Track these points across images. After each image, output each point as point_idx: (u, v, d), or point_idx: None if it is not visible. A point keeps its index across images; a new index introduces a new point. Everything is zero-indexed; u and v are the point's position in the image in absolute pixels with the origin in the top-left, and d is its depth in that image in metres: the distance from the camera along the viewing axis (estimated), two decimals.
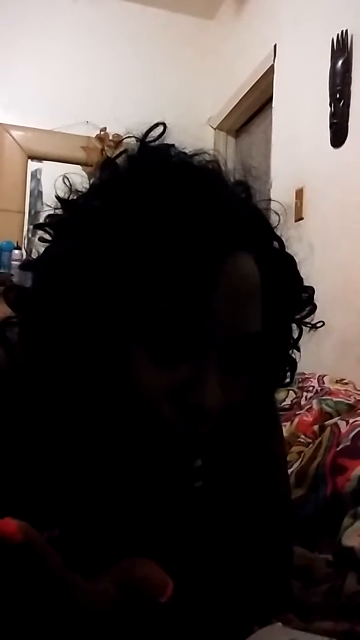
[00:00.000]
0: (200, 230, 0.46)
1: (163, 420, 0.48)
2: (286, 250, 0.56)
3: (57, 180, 0.54)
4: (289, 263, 0.56)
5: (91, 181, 0.54)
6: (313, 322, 0.59)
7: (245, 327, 0.49)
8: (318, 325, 0.59)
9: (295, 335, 0.58)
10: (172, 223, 0.46)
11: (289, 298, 0.56)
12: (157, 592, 0.38)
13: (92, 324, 0.47)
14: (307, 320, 0.58)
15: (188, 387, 0.47)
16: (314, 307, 0.58)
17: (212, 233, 0.46)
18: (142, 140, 0.53)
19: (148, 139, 0.53)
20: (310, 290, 0.58)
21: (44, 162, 3.40)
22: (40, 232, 0.54)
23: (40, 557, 0.35)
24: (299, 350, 0.59)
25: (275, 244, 0.55)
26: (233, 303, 0.48)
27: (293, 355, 0.59)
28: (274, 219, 0.56)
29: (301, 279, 0.57)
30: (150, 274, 0.46)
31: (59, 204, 0.53)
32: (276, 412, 0.67)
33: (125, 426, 0.50)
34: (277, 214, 0.56)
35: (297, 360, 0.59)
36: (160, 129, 0.54)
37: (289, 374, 0.59)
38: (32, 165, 3.40)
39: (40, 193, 3.39)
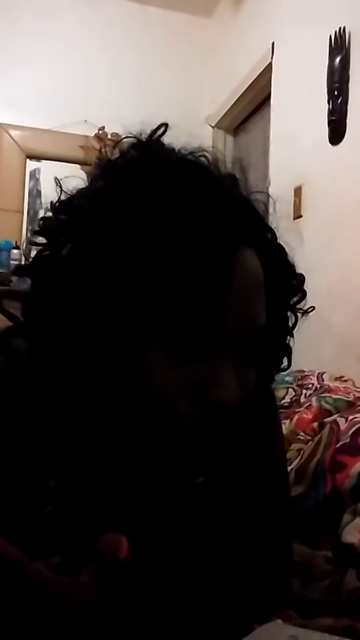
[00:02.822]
0: (211, 229, 0.46)
1: (182, 419, 0.48)
2: (278, 240, 0.57)
3: (54, 181, 0.54)
4: (282, 252, 0.57)
5: (89, 183, 0.54)
6: (304, 308, 0.60)
7: (256, 321, 0.50)
8: (309, 310, 0.60)
9: (290, 322, 0.59)
10: (183, 223, 0.46)
11: (284, 286, 0.57)
12: (114, 551, 0.39)
13: (106, 327, 0.47)
14: (299, 306, 0.59)
15: (206, 384, 0.47)
16: (304, 293, 0.59)
17: (223, 231, 0.46)
18: (145, 142, 0.53)
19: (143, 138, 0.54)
20: (301, 277, 0.59)
21: (43, 161, 3.39)
22: (35, 236, 0.53)
23: (9, 562, 0.35)
24: (292, 336, 0.60)
25: (268, 235, 0.56)
26: (245, 299, 0.49)
27: (288, 341, 0.60)
28: (264, 210, 0.57)
29: (293, 267, 0.58)
30: (163, 275, 0.46)
31: (55, 207, 0.53)
32: (274, 398, 0.68)
33: (137, 427, 0.50)
34: (264, 204, 0.57)
35: (294, 349, 0.60)
36: (161, 130, 0.54)
37: (285, 359, 0.61)
38: (31, 164, 3.40)
39: (38, 192, 3.39)
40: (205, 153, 0.54)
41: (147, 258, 0.46)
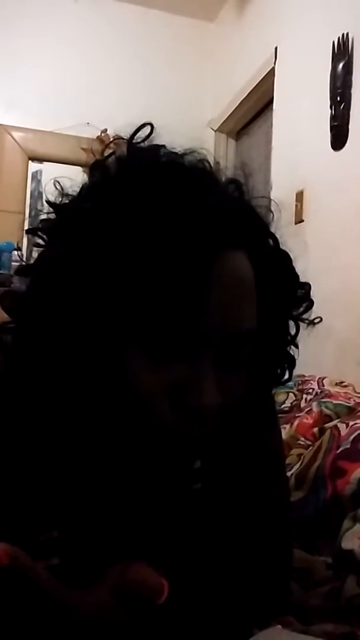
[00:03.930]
0: (190, 229, 0.45)
1: (160, 421, 0.48)
2: (281, 247, 0.55)
3: (47, 184, 0.54)
4: (284, 260, 0.56)
5: (82, 184, 0.54)
6: (310, 318, 0.58)
7: (240, 325, 0.49)
8: (315, 321, 0.58)
9: (293, 331, 0.57)
10: (162, 222, 0.46)
11: (284, 294, 0.55)
12: (153, 595, 0.38)
13: (86, 326, 0.47)
14: (305, 316, 0.58)
15: (184, 387, 0.47)
16: (311, 303, 0.58)
17: (203, 231, 0.46)
18: (130, 140, 0.53)
19: (137, 140, 0.53)
20: (307, 287, 0.57)
21: (45, 163, 3.41)
22: (35, 238, 0.53)
23: (29, 578, 0.35)
24: (297, 346, 0.58)
25: (270, 241, 0.55)
26: (226, 301, 0.48)
27: (291, 352, 0.58)
28: (269, 216, 0.56)
29: (297, 276, 0.56)
30: (142, 274, 0.46)
31: (49, 208, 0.53)
32: (274, 410, 0.67)
33: (123, 428, 0.50)
34: (271, 211, 0.56)
35: (296, 357, 0.59)
36: (147, 129, 0.53)
37: (287, 371, 0.59)
38: (33, 166, 3.41)
39: (40, 194, 3.39)
40: (203, 155, 0.54)
41: (127, 256, 0.46)
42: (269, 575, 0.64)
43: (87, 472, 0.52)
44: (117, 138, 0.55)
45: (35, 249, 0.53)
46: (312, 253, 2.02)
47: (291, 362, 0.59)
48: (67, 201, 0.53)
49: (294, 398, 1.46)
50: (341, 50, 2.12)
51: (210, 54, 3.62)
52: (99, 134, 3.27)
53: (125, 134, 0.54)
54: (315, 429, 1.18)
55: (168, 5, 3.51)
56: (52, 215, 0.53)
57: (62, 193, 0.53)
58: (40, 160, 3.41)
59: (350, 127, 2.07)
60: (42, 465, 0.51)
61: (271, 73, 2.79)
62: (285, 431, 1.20)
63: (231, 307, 0.48)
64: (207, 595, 0.57)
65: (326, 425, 1.16)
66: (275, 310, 0.54)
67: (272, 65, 2.77)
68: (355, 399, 1.35)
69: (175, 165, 0.51)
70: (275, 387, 0.62)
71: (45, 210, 0.53)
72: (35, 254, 0.54)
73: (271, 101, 2.81)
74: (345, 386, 1.52)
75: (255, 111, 3.21)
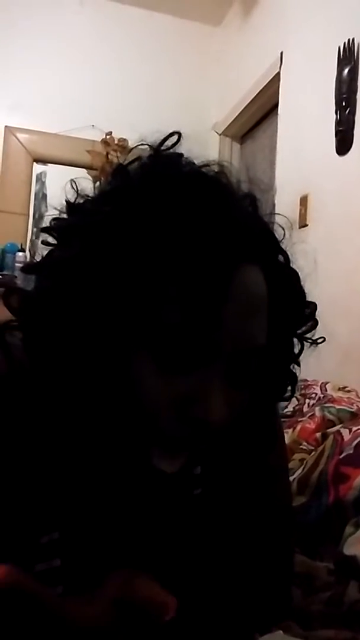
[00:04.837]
0: (212, 242, 0.46)
1: (163, 432, 0.48)
2: (291, 264, 0.56)
3: (66, 184, 0.54)
4: (294, 277, 0.56)
5: (99, 186, 0.54)
6: (314, 338, 0.58)
7: (253, 340, 0.49)
8: (319, 340, 0.58)
9: (297, 350, 0.57)
10: (184, 234, 0.46)
11: (292, 312, 0.55)
12: (160, 612, 0.38)
13: (98, 330, 0.47)
14: (309, 335, 0.58)
15: (192, 398, 0.47)
16: (316, 323, 0.58)
17: (224, 245, 0.46)
18: (156, 148, 0.53)
19: (151, 144, 0.53)
20: (313, 306, 0.57)
21: (49, 165, 3.41)
22: (44, 235, 0.53)
23: (30, 596, 0.35)
24: (299, 365, 0.58)
25: (281, 257, 0.55)
26: (242, 316, 0.48)
27: (294, 369, 0.58)
28: (279, 232, 0.55)
29: (304, 294, 0.57)
30: (160, 285, 0.46)
31: (65, 208, 0.53)
32: (277, 426, 0.67)
33: (125, 430, 0.50)
34: (282, 227, 0.56)
35: (298, 374, 0.59)
36: (174, 138, 0.53)
37: (289, 387, 0.59)
38: (37, 168, 3.42)
39: (44, 196, 3.40)
40: (221, 168, 0.54)
41: (147, 264, 0.46)
42: (271, 580, 0.64)
43: (88, 474, 0.52)
44: (136, 145, 0.55)
45: (43, 248, 0.53)
46: (315, 257, 2.01)
47: (294, 380, 0.59)
48: (83, 202, 0.53)
49: (297, 402, 1.46)
50: (347, 56, 2.12)
51: (215, 57, 3.63)
52: (104, 136, 3.28)
53: (129, 137, 0.54)
54: (318, 434, 1.17)
55: (173, 8, 3.52)
56: (65, 215, 0.53)
57: (79, 194, 0.53)
58: (44, 162, 3.42)
59: (355, 132, 2.07)
60: (43, 467, 0.51)
61: (276, 78, 2.79)
62: (288, 436, 1.20)
63: (246, 322, 0.48)
64: (208, 601, 0.57)
65: (329, 430, 1.15)
66: (283, 327, 0.54)
67: (278, 69, 2.77)
68: (358, 404, 1.35)
69: (198, 177, 0.51)
70: (278, 403, 0.62)
71: (52, 211, 0.53)
72: (39, 254, 0.53)
73: (276, 105, 2.82)
74: (349, 391, 1.52)
75: (260, 115, 3.21)
